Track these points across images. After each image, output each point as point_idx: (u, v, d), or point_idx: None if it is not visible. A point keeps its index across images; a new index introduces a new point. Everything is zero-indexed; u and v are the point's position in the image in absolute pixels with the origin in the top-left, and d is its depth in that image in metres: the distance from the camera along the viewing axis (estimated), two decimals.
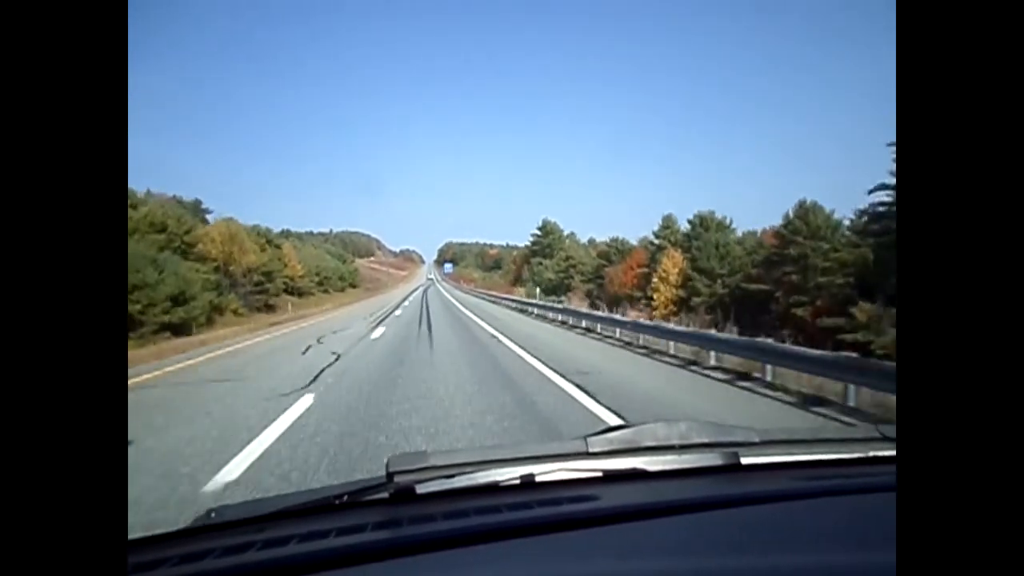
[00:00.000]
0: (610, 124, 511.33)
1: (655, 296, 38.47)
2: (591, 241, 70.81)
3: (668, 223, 45.67)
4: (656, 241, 45.26)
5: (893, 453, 0.98)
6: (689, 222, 43.78)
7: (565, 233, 71.29)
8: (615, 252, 54.97)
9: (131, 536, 0.73)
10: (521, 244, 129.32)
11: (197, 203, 48.91)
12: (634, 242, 54.54)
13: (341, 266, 79.73)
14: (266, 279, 38.95)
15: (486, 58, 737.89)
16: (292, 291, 51.11)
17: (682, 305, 36.84)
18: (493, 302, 34.43)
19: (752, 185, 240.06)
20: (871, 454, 1.04)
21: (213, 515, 0.86)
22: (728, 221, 40.98)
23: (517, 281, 68.38)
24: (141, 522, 2.55)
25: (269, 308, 38.22)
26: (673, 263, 39.08)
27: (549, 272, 61.64)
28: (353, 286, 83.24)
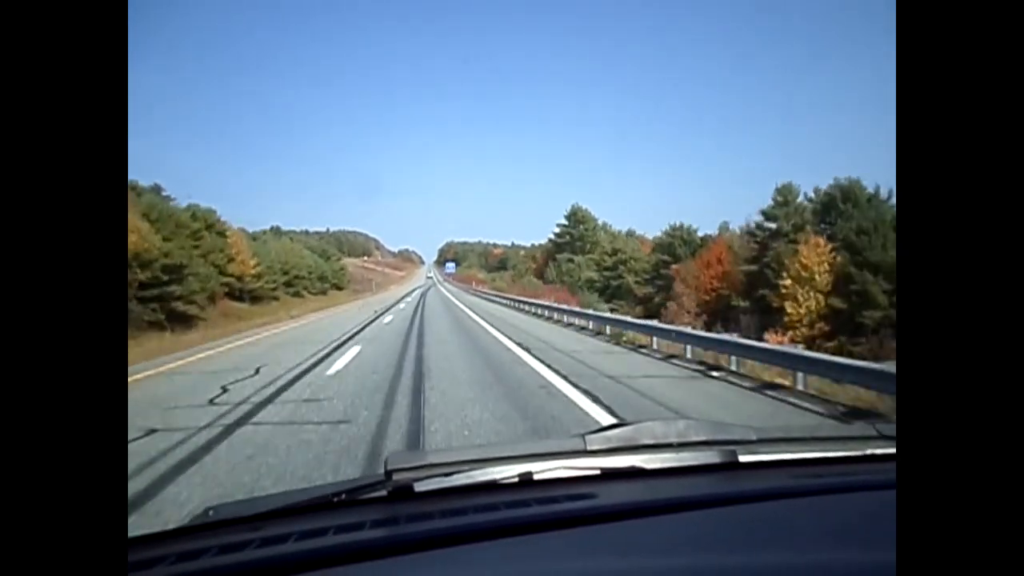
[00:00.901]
0: (613, 120, 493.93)
1: (789, 308, 24.37)
2: (631, 233, 56.64)
3: (786, 196, 30.51)
4: (770, 224, 30.69)
5: (890, 451, 0.98)
6: (811, 199, 29.77)
7: (599, 223, 56.90)
8: (680, 244, 40.94)
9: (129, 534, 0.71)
10: (527, 243, 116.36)
11: (157, 188, 35.08)
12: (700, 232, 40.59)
13: (323, 264, 65.57)
14: (170, 277, 24.45)
15: (486, 55, 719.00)
16: (240, 295, 36.90)
17: (842, 322, 22.72)
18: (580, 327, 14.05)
19: (751, 183, 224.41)
20: (868, 452, 1.03)
21: (211, 513, 0.85)
22: (885, 193, 27.00)
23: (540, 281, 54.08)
24: None
25: (179, 320, 23.92)
26: (818, 256, 24.90)
27: (587, 270, 47.46)
28: (338, 287, 69.52)
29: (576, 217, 55.83)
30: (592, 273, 45.39)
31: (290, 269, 50.23)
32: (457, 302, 31.86)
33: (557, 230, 57.25)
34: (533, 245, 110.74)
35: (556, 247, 56.43)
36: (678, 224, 42.46)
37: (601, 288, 41.75)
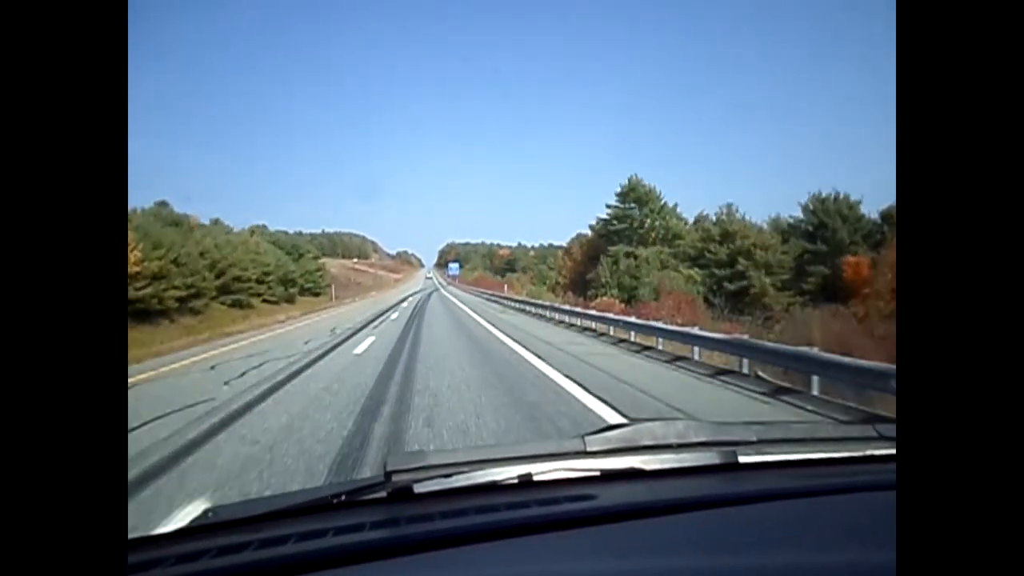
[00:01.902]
0: (614, 118, 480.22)
1: None
2: (699, 217, 40.94)
3: None
4: None
5: (890, 452, 0.98)
6: None
7: (668, 204, 40.67)
8: (840, 222, 25.36)
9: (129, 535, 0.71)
10: (535, 243, 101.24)
11: None
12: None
13: (290, 263, 49.48)
14: None
15: (486, 54, 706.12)
16: None
17: None
18: None
19: (758, 181, 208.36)
20: (868, 453, 1.03)
21: (210, 515, 0.85)
22: None
23: (583, 285, 38.35)
24: None
25: None
26: None
27: (667, 269, 31.69)
28: (314, 293, 53.26)
29: (635, 195, 39.50)
30: (689, 271, 29.92)
31: (228, 268, 34.36)
32: (507, 339, 10.99)
33: (605, 215, 40.13)
34: (542, 245, 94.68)
35: (605, 238, 40.46)
36: (825, 194, 26.93)
37: (707, 294, 26.57)
